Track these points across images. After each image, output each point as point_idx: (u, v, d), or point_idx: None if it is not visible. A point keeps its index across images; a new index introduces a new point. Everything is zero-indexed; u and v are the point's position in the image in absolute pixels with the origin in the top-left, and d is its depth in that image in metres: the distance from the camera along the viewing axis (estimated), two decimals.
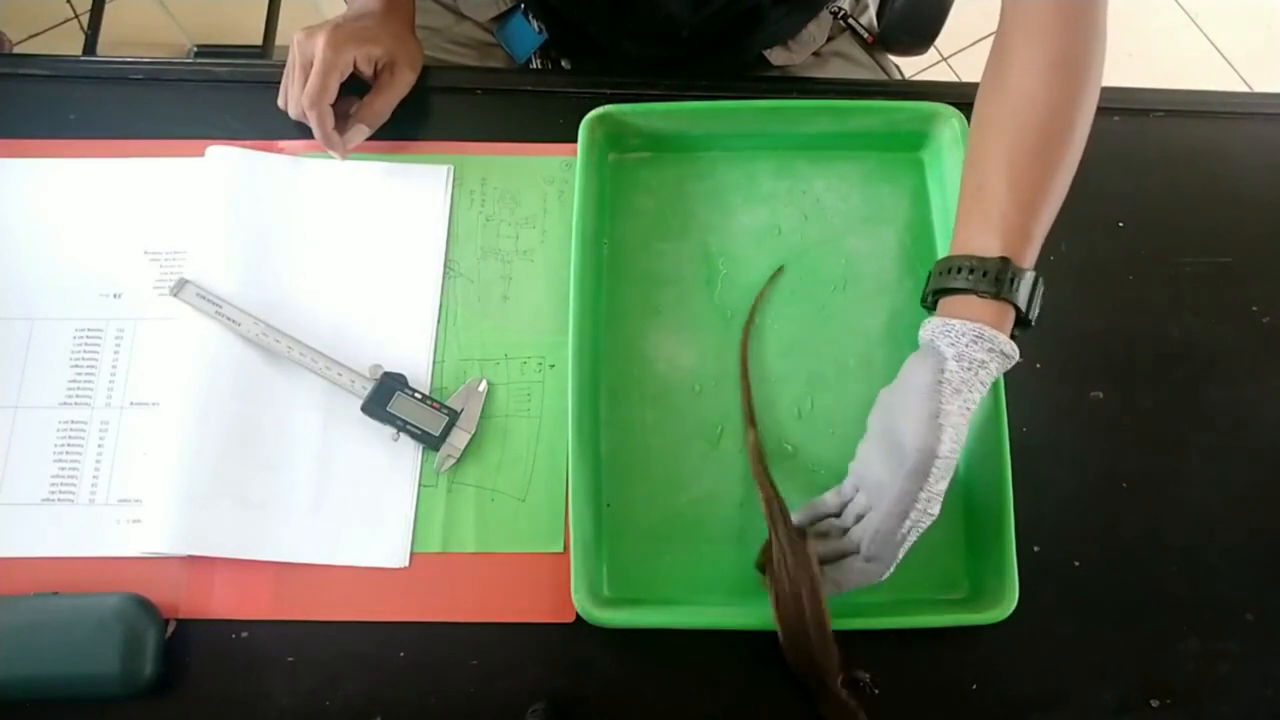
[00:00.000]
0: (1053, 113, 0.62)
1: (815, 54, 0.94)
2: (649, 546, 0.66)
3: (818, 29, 0.92)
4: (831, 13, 0.93)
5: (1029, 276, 0.60)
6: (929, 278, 0.64)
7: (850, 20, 0.95)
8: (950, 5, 0.97)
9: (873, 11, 1.00)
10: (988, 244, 0.60)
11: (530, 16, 0.89)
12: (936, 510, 0.57)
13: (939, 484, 0.57)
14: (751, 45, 0.90)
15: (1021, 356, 0.59)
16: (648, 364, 0.70)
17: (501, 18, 0.90)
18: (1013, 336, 0.60)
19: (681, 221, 0.74)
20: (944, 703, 0.64)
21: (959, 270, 0.60)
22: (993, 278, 0.59)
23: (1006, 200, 0.60)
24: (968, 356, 0.58)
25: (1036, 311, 0.61)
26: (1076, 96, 0.62)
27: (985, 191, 0.62)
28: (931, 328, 0.61)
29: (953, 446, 0.56)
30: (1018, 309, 0.60)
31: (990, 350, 0.58)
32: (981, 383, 0.58)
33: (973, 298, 0.60)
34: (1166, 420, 0.71)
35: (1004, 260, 0.59)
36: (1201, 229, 0.76)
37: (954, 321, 0.59)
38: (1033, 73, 0.62)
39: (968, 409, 0.58)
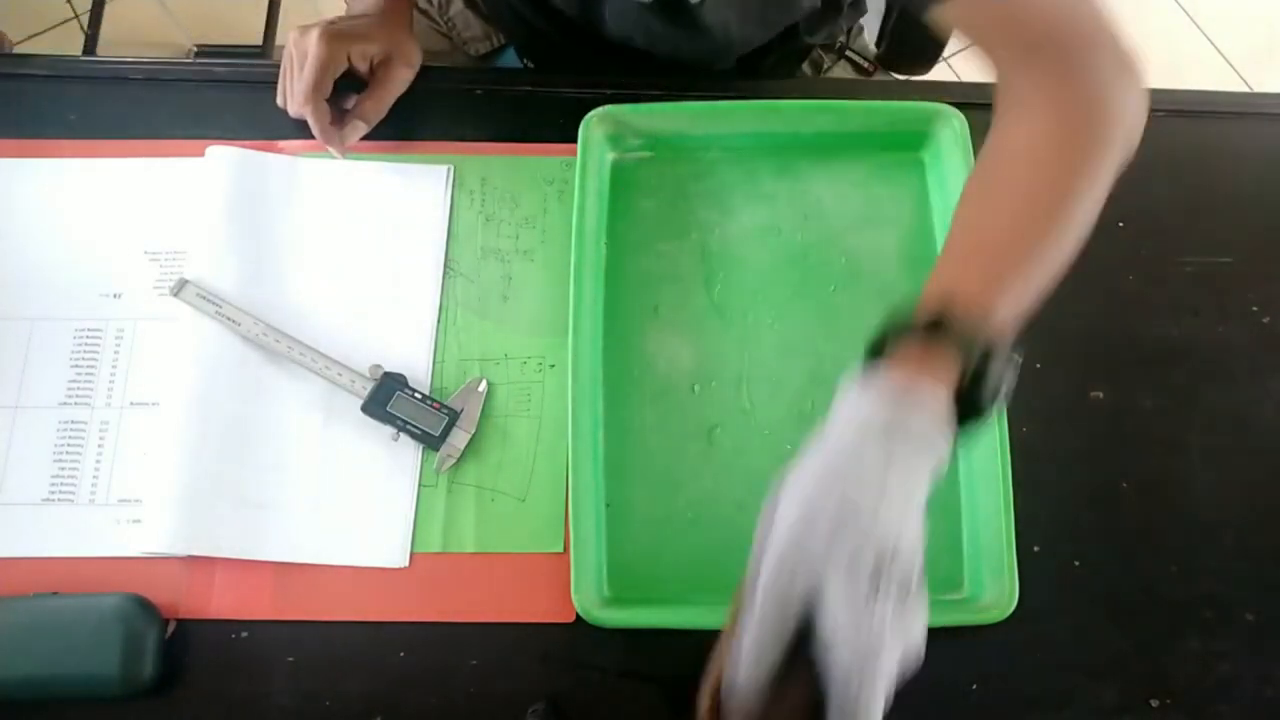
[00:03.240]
0: (1048, 184, 0.55)
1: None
2: (649, 546, 0.66)
3: (810, 69, 0.92)
4: (823, 47, 0.92)
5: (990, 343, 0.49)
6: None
7: (849, 53, 0.93)
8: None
9: (866, 35, 0.98)
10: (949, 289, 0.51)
11: (524, 58, 0.90)
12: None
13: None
14: None
15: (1022, 357, 0.58)
16: (647, 364, 0.70)
17: (493, 54, 0.91)
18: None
19: (681, 221, 0.74)
20: (944, 703, 0.64)
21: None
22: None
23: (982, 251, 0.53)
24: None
25: (994, 397, 0.50)
26: (1074, 174, 0.54)
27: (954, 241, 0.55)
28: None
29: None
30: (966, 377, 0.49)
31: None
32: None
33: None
34: (1166, 420, 0.71)
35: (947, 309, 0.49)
36: (1201, 229, 0.76)
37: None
38: (1024, 150, 0.56)
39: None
